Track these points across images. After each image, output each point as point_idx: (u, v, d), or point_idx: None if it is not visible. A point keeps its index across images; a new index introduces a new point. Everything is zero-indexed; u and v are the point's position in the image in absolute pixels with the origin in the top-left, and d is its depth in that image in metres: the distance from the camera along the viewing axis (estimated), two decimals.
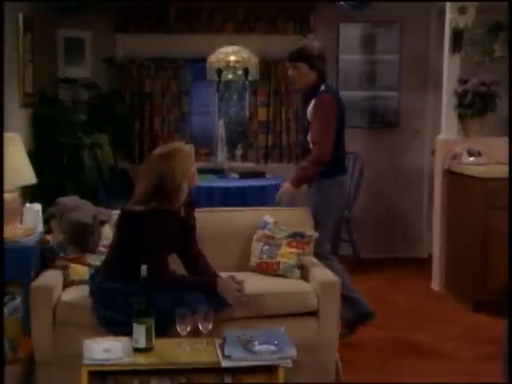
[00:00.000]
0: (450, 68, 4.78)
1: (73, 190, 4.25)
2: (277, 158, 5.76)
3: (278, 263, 3.36)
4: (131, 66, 5.58)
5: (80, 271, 3.23)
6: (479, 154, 4.60)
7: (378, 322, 3.85)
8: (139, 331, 2.53)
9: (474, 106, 4.63)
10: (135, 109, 5.60)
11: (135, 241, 2.86)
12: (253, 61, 5.10)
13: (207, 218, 3.42)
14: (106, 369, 2.49)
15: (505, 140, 4.36)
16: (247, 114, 5.84)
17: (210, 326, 2.60)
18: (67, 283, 3.20)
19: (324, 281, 3.18)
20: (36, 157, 4.13)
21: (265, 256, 3.39)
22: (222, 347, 2.57)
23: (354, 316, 3.73)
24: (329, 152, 3.53)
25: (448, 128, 4.85)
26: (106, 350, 2.52)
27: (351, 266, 5.30)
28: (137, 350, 2.53)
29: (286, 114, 5.72)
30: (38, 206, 3.49)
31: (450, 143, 4.75)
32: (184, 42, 5.55)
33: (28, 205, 3.52)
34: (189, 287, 2.88)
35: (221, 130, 5.32)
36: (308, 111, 3.66)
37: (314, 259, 3.51)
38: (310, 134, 3.65)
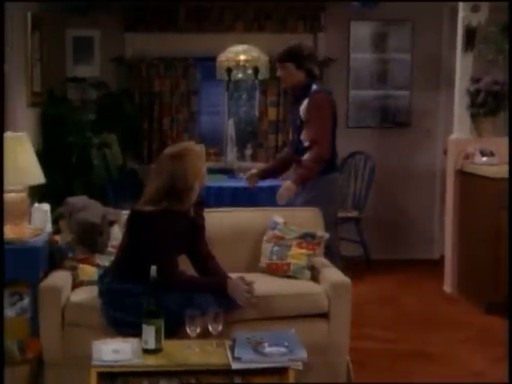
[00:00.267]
0: (462, 67, 4.74)
1: (81, 190, 4.25)
2: None
3: (289, 264, 3.34)
4: (140, 65, 5.57)
5: (89, 272, 3.23)
6: (492, 154, 4.55)
7: (389, 324, 3.83)
8: (148, 332, 2.52)
9: (487, 105, 4.59)
10: (144, 108, 5.58)
11: (145, 241, 2.85)
12: (263, 60, 5.07)
13: (217, 219, 3.40)
14: (115, 370, 2.48)
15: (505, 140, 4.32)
16: (257, 114, 5.81)
17: (220, 328, 2.59)
18: (76, 284, 3.20)
19: (335, 282, 3.17)
20: (44, 156, 4.13)
21: (275, 257, 3.38)
22: (231, 349, 2.56)
23: None
24: (329, 150, 3.63)
25: (460, 128, 4.81)
26: (115, 351, 2.51)
27: (362, 267, 5.28)
28: (146, 352, 2.52)
29: None
30: (46, 206, 3.49)
31: (462, 143, 4.72)
32: (193, 40, 5.53)
33: (36, 205, 3.51)
34: (198, 288, 2.88)
35: (230, 129, 5.31)
36: (301, 110, 3.71)
37: (324, 260, 3.49)
38: (305, 133, 3.69)
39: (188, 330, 2.57)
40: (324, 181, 3.69)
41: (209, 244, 3.12)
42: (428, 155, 5.80)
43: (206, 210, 3.17)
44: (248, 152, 5.77)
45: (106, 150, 4.82)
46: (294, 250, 3.35)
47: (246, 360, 2.49)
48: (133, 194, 3.74)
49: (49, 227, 3.42)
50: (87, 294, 3.06)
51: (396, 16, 5.64)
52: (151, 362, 2.49)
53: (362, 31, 5.68)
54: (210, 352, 2.55)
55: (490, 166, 4.46)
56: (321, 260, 3.46)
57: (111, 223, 3.37)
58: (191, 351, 2.54)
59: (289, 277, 3.31)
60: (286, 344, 2.59)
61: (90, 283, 3.16)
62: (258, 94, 5.77)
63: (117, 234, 3.33)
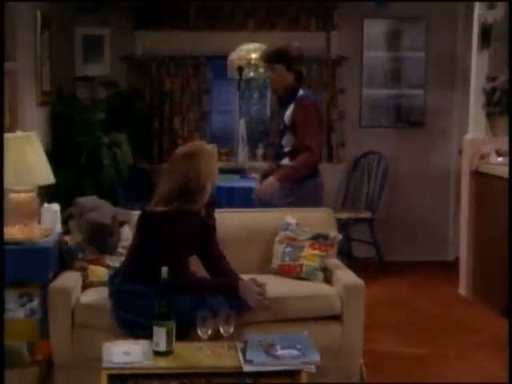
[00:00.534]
0: (478, 65, 4.69)
1: (91, 190, 4.23)
2: None
3: (301, 266, 3.31)
4: (150, 64, 5.54)
5: (99, 273, 3.21)
6: (507, 154, 4.48)
7: (402, 327, 3.79)
8: (159, 334, 2.50)
9: (503, 104, 4.53)
10: (154, 107, 5.55)
11: (156, 242, 2.83)
12: None
13: (228, 219, 3.39)
14: (125, 372, 2.47)
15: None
16: (268, 113, 5.77)
17: (232, 330, 2.58)
18: (86, 285, 3.19)
19: (348, 284, 3.15)
20: (54, 156, 4.10)
21: (287, 258, 3.35)
22: (243, 351, 2.55)
23: None
24: (318, 157, 3.71)
25: (476, 127, 4.76)
26: (125, 353, 2.50)
27: (375, 268, 5.23)
28: (157, 354, 2.51)
29: None
30: (56, 207, 3.47)
31: (477, 143, 4.67)
32: (204, 39, 5.49)
33: (46, 205, 3.50)
34: (210, 289, 2.86)
35: (242, 129, 5.28)
36: (285, 115, 3.70)
37: (337, 261, 3.48)
38: (287, 138, 3.68)
39: (199, 331, 2.55)
40: (307, 186, 3.70)
41: (220, 245, 3.11)
42: (442, 155, 5.74)
43: (217, 210, 3.16)
44: (259, 152, 5.73)
45: (116, 149, 4.79)
46: (307, 251, 3.33)
47: (258, 363, 2.48)
48: (143, 194, 3.72)
49: (58, 227, 3.40)
50: (97, 295, 3.05)
51: (410, 14, 5.59)
52: (162, 364, 2.48)
53: (375, 29, 5.63)
54: (221, 354, 2.54)
55: (505, 166, 4.39)
56: (333, 261, 3.44)
57: (121, 224, 3.36)
58: (202, 353, 2.54)
59: (301, 278, 3.29)
60: (299, 347, 2.57)
61: (99, 284, 3.15)
62: (269, 92, 5.72)
63: (127, 234, 3.32)
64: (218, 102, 5.89)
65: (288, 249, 3.35)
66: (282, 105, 3.81)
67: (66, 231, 3.39)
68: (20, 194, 3.21)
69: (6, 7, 3.52)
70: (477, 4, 4.62)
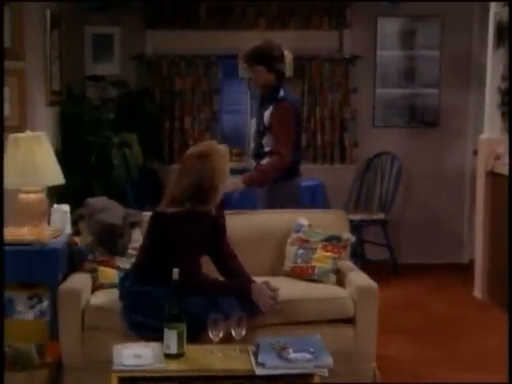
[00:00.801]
0: (493, 64, 4.63)
1: (101, 191, 4.21)
2: (311, 159, 5.62)
3: (313, 268, 3.28)
4: (161, 63, 5.51)
5: (109, 274, 3.20)
6: None
7: (417, 330, 3.75)
8: (170, 336, 2.49)
9: None
10: (165, 107, 5.53)
11: (168, 243, 2.82)
12: (287, 57, 4.97)
13: (240, 221, 3.38)
14: (136, 375, 2.46)
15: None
16: None
17: (244, 333, 2.56)
18: (96, 286, 3.18)
19: (361, 286, 3.12)
20: (63, 156, 4.09)
21: (299, 260, 3.32)
22: (255, 354, 2.53)
23: None
24: (288, 160, 3.62)
25: (491, 127, 4.70)
26: (136, 355, 2.49)
27: (388, 271, 5.18)
28: (168, 356, 2.50)
29: (320, 113, 5.58)
30: (66, 207, 3.46)
31: (493, 143, 4.61)
32: (215, 38, 5.47)
33: (56, 206, 3.49)
34: (222, 292, 2.84)
35: (253, 129, 5.21)
36: (265, 116, 3.69)
37: (350, 264, 3.45)
38: (267, 139, 3.67)
39: (211, 334, 2.54)
40: (287, 186, 3.67)
41: (232, 246, 3.09)
42: (457, 155, 5.69)
43: (229, 212, 3.15)
44: None
45: (126, 149, 4.78)
46: (319, 253, 3.30)
47: (271, 366, 2.46)
48: (153, 195, 3.69)
49: (68, 228, 3.39)
50: (107, 297, 3.04)
51: (424, 12, 5.53)
52: (173, 366, 2.48)
53: (389, 27, 5.57)
54: (233, 357, 2.53)
55: None
56: (346, 263, 3.42)
57: (132, 225, 3.35)
58: (214, 356, 2.53)
59: (314, 281, 3.27)
60: (312, 350, 2.55)
61: (110, 286, 3.14)
62: None
63: (138, 235, 3.30)
64: (228, 102, 5.85)
65: (300, 251, 3.32)
66: (261, 105, 3.79)
67: (76, 232, 3.38)
68: (29, 194, 3.20)
69: (15, 6, 3.51)
70: (493, 2, 4.56)
